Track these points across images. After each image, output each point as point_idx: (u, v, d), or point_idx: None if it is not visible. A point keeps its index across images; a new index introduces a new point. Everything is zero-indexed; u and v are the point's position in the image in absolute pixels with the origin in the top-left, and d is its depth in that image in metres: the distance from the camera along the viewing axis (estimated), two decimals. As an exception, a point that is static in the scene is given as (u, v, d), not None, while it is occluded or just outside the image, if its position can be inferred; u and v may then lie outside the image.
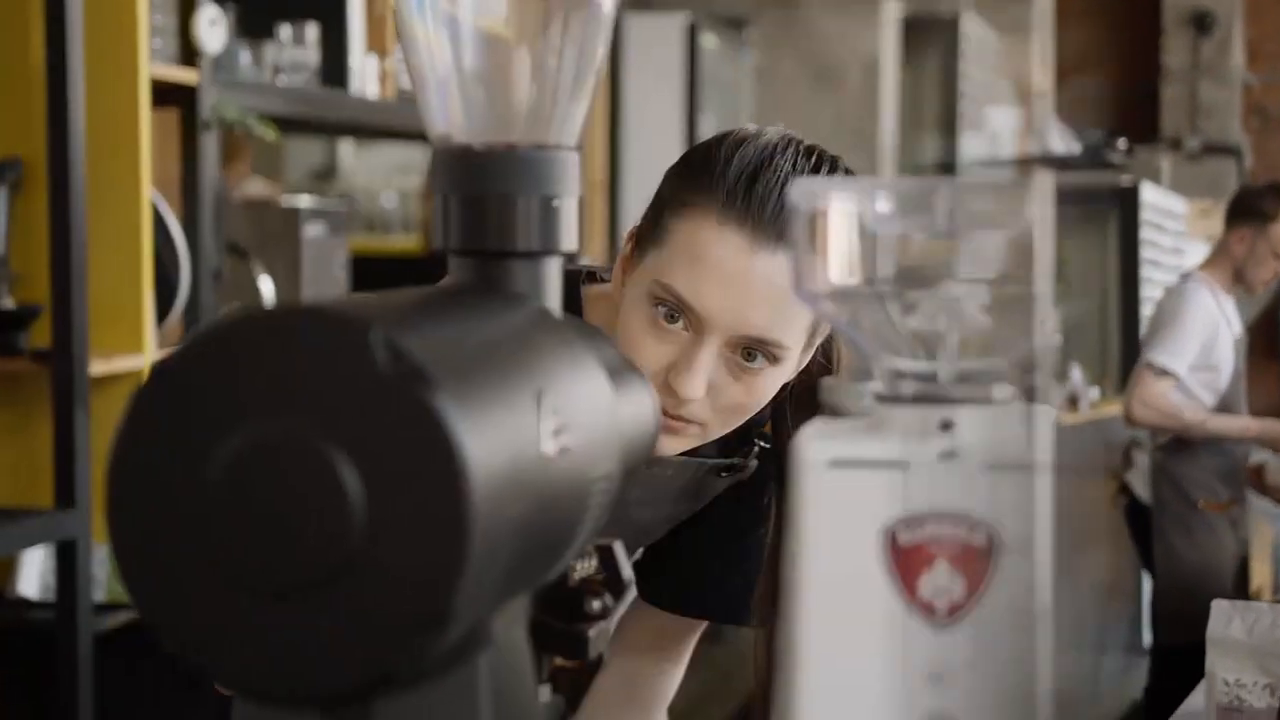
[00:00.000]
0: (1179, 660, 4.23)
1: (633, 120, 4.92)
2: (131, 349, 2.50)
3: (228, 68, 2.82)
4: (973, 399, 0.69)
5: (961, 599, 0.67)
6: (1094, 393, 6.36)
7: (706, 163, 1.26)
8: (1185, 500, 4.25)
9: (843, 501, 0.68)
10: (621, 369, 0.85)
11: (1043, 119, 5.92)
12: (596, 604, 0.86)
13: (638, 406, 0.84)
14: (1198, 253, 8.22)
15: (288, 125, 3.22)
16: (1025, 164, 5.72)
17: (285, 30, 3.02)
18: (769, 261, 1.22)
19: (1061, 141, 6.03)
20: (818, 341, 1.32)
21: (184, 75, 2.66)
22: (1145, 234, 6.90)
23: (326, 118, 3.21)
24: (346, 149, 5.41)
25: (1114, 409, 6.62)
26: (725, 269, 1.21)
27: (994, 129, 5.68)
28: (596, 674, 1.35)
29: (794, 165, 1.25)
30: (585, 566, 0.85)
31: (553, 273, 0.79)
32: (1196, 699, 2.15)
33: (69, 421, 2.31)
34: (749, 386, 1.25)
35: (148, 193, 2.50)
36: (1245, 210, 4.27)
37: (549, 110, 0.80)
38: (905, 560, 0.67)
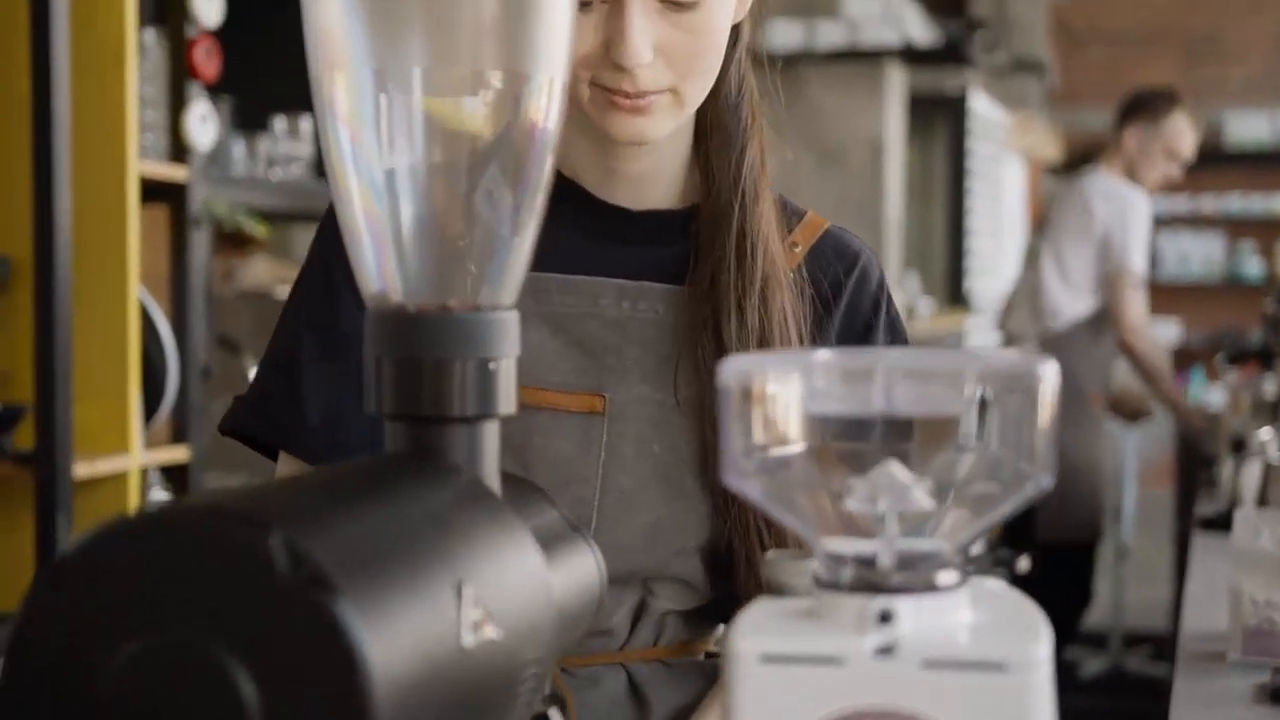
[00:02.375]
0: (1058, 560, 4.26)
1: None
2: (118, 450, 2.47)
3: (221, 161, 2.81)
4: (913, 588, 0.66)
5: (901, 805, 0.64)
6: (927, 304, 6.33)
7: None
8: (1077, 393, 4.23)
9: (777, 699, 0.65)
10: (561, 534, 0.82)
11: (901, 4, 5.79)
12: (541, 778, 0.83)
13: (577, 573, 0.81)
14: (1013, 164, 8.41)
15: (283, 216, 3.21)
16: (883, 54, 5.64)
17: (280, 122, 3.01)
18: None
19: (921, 30, 5.89)
20: None
21: (174, 172, 2.65)
22: (970, 143, 6.96)
23: (320, 211, 3.19)
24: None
25: (950, 322, 6.60)
26: None
27: (851, 16, 5.55)
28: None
29: None
30: (526, 740, 0.82)
31: (490, 438, 0.77)
32: (1215, 620, 1.93)
33: (51, 526, 2.28)
34: (696, 28, 1.15)
35: (135, 291, 2.48)
36: (1138, 108, 4.42)
37: (486, 270, 0.77)
38: (841, 762, 0.64)
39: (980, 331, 7.24)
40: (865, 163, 5.66)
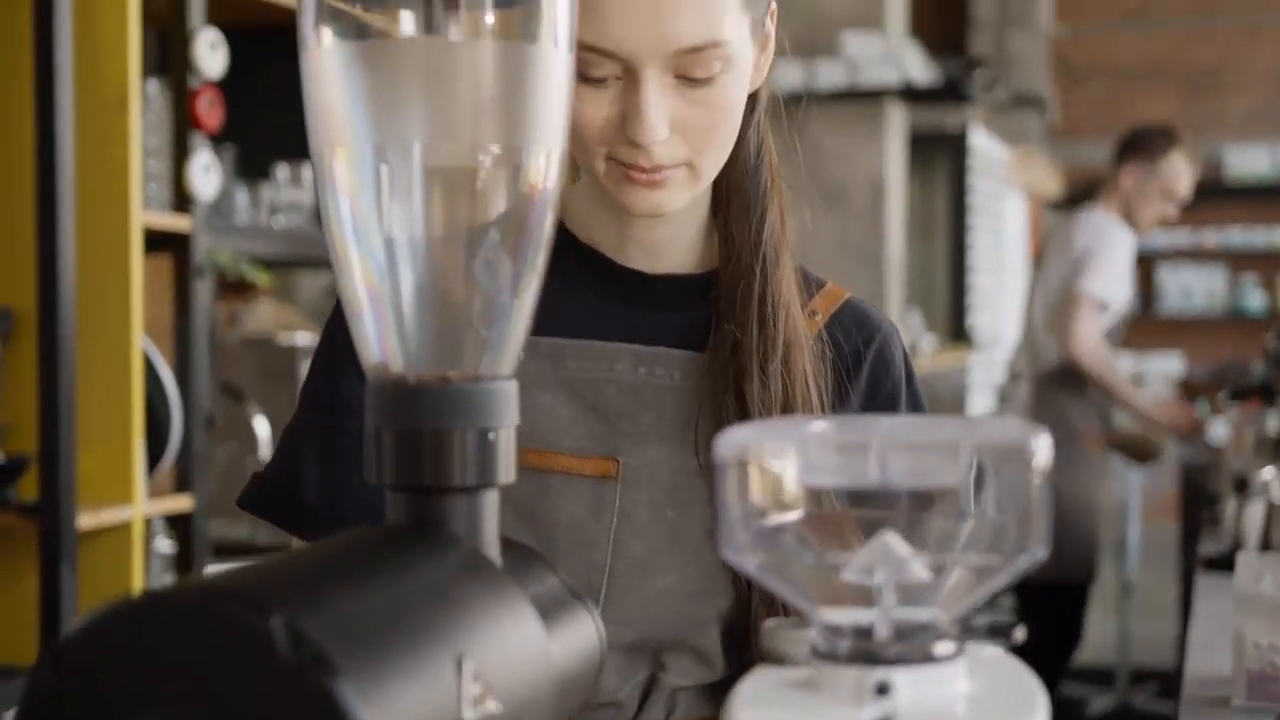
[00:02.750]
0: (1047, 598, 4.22)
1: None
2: (121, 500, 2.48)
3: (224, 209, 2.83)
4: (911, 658, 0.67)
5: None
6: (930, 340, 6.32)
7: None
8: (1069, 432, 4.19)
9: (775, 771, 0.65)
10: (561, 601, 0.82)
11: (902, 45, 5.83)
12: None
13: (577, 640, 0.82)
14: (1015, 200, 8.44)
15: (286, 263, 3.23)
16: (884, 93, 5.67)
17: (282, 170, 3.03)
18: None
19: (921, 70, 5.93)
20: (769, 24, 1.22)
21: (177, 222, 2.66)
22: (971, 179, 6.98)
23: (322, 257, 3.21)
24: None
25: (953, 359, 6.59)
26: None
27: (851, 56, 5.62)
28: None
29: None
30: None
31: (490, 506, 0.77)
32: (1220, 663, 1.90)
33: (56, 578, 2.29)
34: (712, 103, 1.14)
35: (139, 342, 2.49)
36: (1136, 147, 4.38)
37: (487, 339, 0.78)
38: (840, 835, 0.64)
39: (983, 368, 7.25)
40: (866, 202, 5.68)
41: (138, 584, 2.50)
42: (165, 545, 2.87)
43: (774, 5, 1.23)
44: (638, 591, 1.19)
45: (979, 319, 7.55)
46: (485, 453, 0.76)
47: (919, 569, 0.68)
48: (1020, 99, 9.21)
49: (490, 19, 0.79)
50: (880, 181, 5.67)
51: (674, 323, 1.25)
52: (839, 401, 1.25)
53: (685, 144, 1.14)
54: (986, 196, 7.63)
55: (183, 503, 2.72)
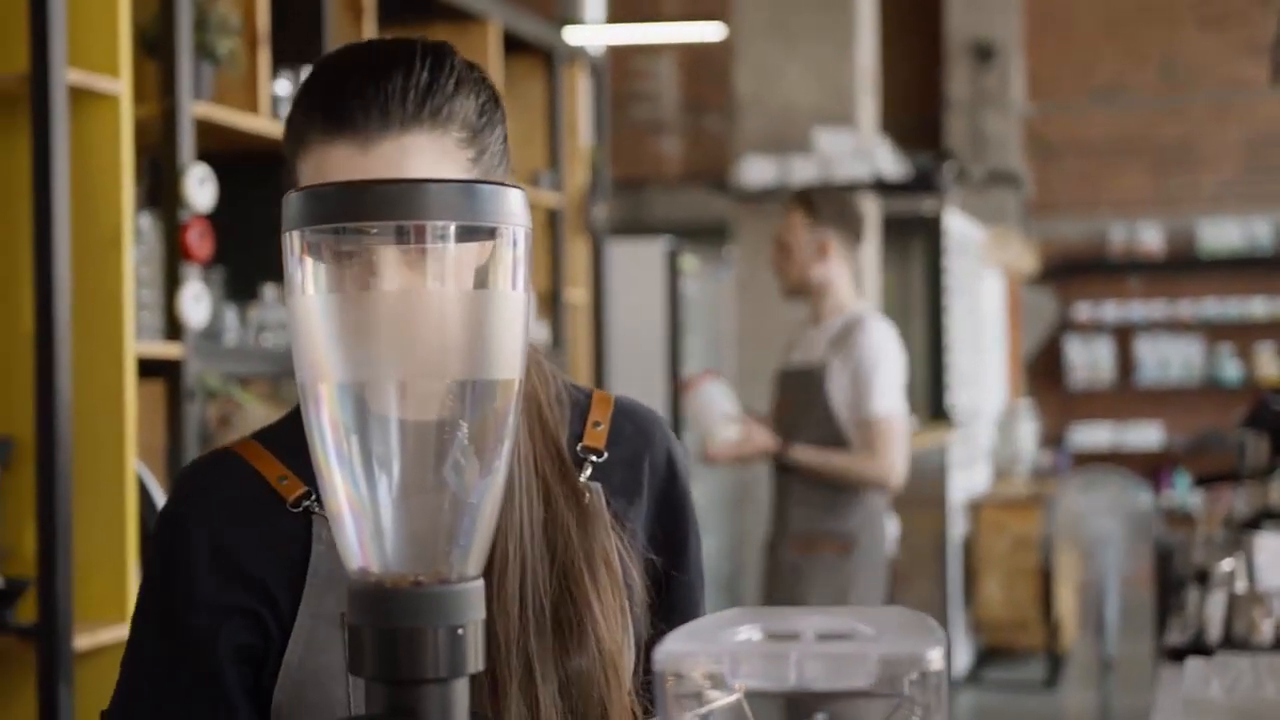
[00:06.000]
0: None
1: (618, 344, 5.02)
2: (118, 620, 2.56)
3: (214, 332, 2.93)
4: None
5: None
6: (910, 421, 6.38)
7: (303, 87, 1.23)
8: (777, 537, 4.06)
9: None
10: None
11: (873, 140, 6.01)
12: None
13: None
14: (993, 279, 8.56)
15: (275, 376, 3.33)
16: (856, 188, 5.76)
17: (270, 290, 3.13)
18: (394, 147, 1.17)
19: (891, 164, 6.07)
20: None
21: (169, 350, 2.76)
22: (947, 261, 7.11)
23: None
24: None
25: (933, 439, 6.66)
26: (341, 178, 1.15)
27: (824, 152, 5.76)
28: None
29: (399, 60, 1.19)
30: None
31: (460, 693, 0.87)
32: None
33: (54, 699, 2.37)
34: None
35: (133, 466, 2.58)
36: None
37: (455, 542, 0.88)
38: None
39: (962, 446, 7.33)
40: (842, 291, 5.77)
41: (133, 700, 2.57)
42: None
43: None
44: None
45: (958, 397, 7.65)
46: (456, 647, 0.86)
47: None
48: (996, 177, 9.38)
49: (455, 267, 0.90)
50: (856, 271, 5.76)
51: None
52: (632, 512, 1.32)
53: None
54: (963, 276, 7.75)
55: (176, 617, 2.79)
